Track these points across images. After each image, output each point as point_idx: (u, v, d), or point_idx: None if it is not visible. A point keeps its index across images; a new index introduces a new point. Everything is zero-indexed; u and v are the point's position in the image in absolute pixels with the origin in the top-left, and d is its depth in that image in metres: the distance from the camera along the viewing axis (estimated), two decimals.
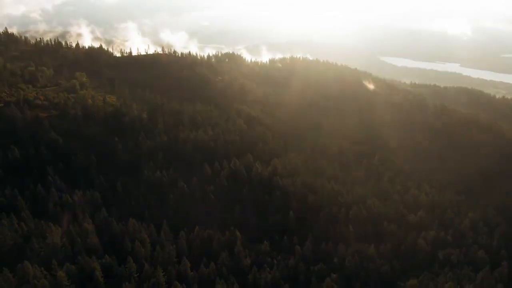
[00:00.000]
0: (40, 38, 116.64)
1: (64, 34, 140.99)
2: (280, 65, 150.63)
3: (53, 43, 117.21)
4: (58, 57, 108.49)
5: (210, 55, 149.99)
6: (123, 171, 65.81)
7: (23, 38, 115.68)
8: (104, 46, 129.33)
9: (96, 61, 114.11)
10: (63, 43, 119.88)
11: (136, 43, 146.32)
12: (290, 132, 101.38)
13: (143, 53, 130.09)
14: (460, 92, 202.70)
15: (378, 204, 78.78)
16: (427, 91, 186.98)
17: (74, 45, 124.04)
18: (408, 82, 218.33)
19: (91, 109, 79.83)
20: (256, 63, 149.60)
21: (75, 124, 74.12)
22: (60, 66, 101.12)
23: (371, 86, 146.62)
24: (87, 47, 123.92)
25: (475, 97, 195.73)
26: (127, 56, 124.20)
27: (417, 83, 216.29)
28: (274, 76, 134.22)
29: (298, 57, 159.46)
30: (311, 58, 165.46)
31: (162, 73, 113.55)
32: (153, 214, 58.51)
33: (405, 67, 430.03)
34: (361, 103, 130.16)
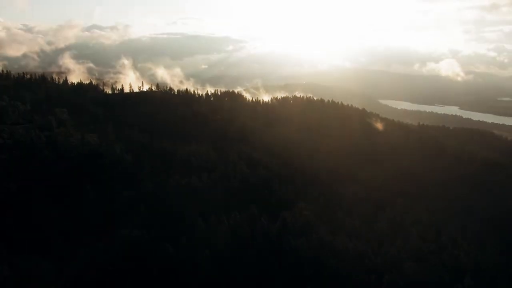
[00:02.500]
0: (23, 73, 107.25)
1: (53, 72, 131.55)
2: (283, 104, 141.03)
3: (37, 77, 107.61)
4: (40, 92, 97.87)
5: (209, 93, 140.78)
6: (92, 231, 50.94)
7: (5, 72, 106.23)
8: (96, 83, 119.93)
9: (83, 97, 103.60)
10: (49, 78, 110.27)
11: (130, 80, 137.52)
12: (298, 177, 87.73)
13: (136, 90, 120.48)
14: (471, 134, 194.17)
15: (415, 268, 63.02)
16: (437, 133, 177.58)
17: (62, 81, 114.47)
18: (415, 123, 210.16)
19: (65, 149, 66.69)
20: (258, 102, 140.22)
21: (41, 168, 60.46)
22: (39, 101, 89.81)
23: (381, 127, 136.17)
24: (75, 83, 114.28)
25: (487, 139, 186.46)
26: (118, 93, 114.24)
27: (425, 124, 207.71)
28: (278, 116, 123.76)
29: (302, 96, 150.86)
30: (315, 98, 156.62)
31: (154, 110, 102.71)
32: None
33: (405, 109, 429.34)
34: (374, 144, 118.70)
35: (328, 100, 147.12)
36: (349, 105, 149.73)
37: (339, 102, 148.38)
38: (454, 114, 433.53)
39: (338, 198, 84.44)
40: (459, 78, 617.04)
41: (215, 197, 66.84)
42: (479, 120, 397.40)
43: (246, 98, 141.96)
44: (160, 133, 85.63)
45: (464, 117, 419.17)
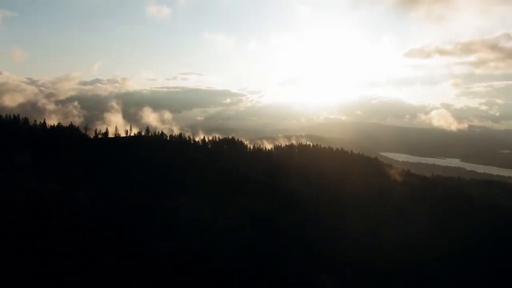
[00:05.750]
0: None
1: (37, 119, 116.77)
2: (288, 152, 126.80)
3: (8, 118, 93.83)
4: (6, 134, 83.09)
5: (206, 140, 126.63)
6: None
7: None
8: (77, 126, 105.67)
9: (59, 141, 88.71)
10: (22, 119, 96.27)
11: (118, 124, 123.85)
12: (314, 238, 69.90)
13: (123, 135, 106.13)
14: (489, 186, 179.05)
15: None
16: (456, 184, 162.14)
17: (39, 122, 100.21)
18: (428, 175, 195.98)
19: (11, 202, 49.63)
20: (260, 150, 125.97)
21: None
22: (2, 143, 74.58)
23: (400, 177, 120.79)
24: (54, 125, 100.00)
25: (508, 191, 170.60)
26: (101, 137, 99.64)
27: (439, 175, 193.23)
28: (284, 165, 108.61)
29: (308, 144, 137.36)
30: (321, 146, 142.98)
31: (141, 157, 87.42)
32: None
33: (407, 162, 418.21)
34: (394, 199, 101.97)
35: (337, 148, 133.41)
36: (360, 153, 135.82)
37: (349, 151, 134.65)
38: (457, 166, 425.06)
39: (369, 268, 65.97)
40: (453, 128, 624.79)
41: (210, 269, 48.74)
42: (484, 172, 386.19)
43: (247, 145, 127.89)
44: (143, 183, 69.40)
45: (468, 169, 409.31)
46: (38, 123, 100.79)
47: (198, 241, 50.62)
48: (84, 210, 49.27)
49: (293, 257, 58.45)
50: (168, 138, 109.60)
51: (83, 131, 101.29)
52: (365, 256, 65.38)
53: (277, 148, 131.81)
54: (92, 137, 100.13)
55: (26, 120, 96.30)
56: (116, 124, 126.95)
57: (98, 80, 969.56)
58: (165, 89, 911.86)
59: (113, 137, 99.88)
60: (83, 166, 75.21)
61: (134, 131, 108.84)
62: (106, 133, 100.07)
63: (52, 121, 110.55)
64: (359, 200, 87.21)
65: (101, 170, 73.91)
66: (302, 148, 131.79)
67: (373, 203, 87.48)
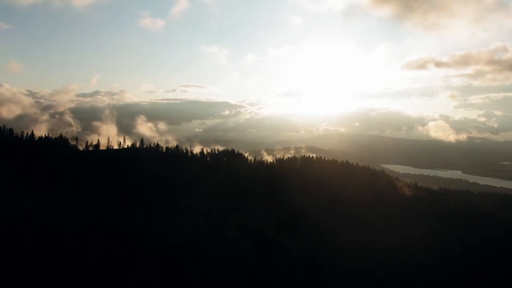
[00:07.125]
0: None
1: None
2: (291, 165, 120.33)
3: None
4: None
5: (205, 152, 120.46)
6: None
7: None
8: (66, 137, 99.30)
9: (45, 153, 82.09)
10: (7, 130, 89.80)
11: (112, 135, 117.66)
12: (326, 262, 62.86)
13: (116, 147, 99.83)
14: (498, 199, 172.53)
15: None
16: (464, 198, 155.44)
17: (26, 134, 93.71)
18: (432, 187, 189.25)
19: None
20: (261, 162, 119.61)
21: None
22: None
23: (408, 191, 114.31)
24: (42, 137, 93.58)
25: None
26: (92, 150, 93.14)
27: (445, 188, 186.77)
28: (287, 178, 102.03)
29: (311, 156, 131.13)
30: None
31: (134, 170, 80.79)
32: None
33: (409, 173, 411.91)
34: (404, 213, 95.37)
35: (342, 161, 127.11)
36: (366, 166, 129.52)
37: (355, 164, 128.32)
38: (459, 178, 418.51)
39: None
40: (451, 139, 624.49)
41: None
42: (486, 184, 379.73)
43: (247, 158, 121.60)
44: (134, 200, 62.65)
45: (470, 181, 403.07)
46: (25, 134, 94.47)
47: (196, 265, 43.71)
48: (60, 231, 42.42)
49: (298, 280, 51.48)
50: (164, 150, 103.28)
51: (73, 143, 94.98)
52: (373, 277, 58.36)
53: (279, 160, 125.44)
54: (82, 149, 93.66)
55: (10, 131, 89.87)
56: (110, 136, 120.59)
57: (97, 92, 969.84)
58: (164, 101, 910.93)
59: (104, 149, 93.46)
60: (68, 180, 68.47)
61: (128, 142, 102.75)
62: (98, 145, 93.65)
63: (43, 133, 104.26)
64: (367, 213, 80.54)
65: (88, 185, 67.16)
66: (304, 160, 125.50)
67: (380, 216, 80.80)
